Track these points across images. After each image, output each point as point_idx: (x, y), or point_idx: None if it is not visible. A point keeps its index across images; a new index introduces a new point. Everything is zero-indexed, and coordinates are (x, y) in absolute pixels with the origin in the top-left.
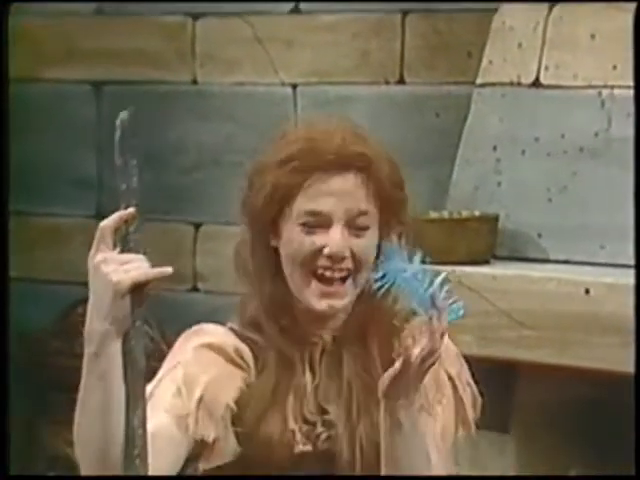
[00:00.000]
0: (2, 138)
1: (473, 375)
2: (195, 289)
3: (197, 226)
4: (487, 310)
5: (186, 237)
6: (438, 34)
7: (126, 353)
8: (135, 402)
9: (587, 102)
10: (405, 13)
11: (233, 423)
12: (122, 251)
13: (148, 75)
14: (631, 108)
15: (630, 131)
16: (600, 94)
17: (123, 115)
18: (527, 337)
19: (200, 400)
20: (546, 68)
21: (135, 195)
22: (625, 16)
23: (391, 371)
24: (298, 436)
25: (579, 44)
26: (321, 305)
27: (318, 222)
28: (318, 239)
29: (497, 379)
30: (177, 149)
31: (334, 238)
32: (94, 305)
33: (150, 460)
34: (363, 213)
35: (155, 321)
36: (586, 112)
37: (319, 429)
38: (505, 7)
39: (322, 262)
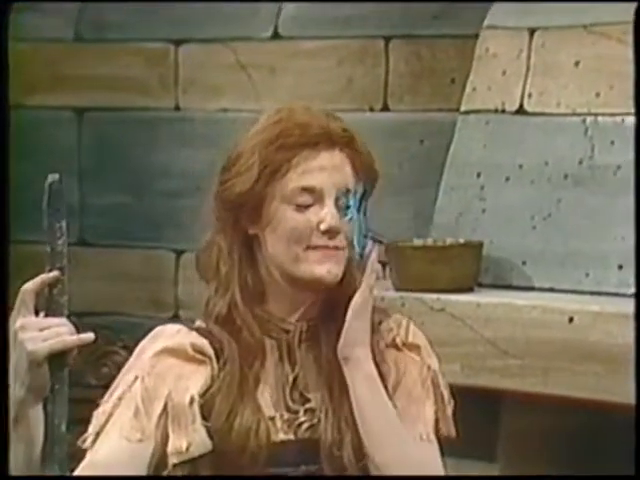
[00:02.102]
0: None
1: (455, 404)
2: (176, 316)
3: (179, 253)
4: (472, 338)
5: (168, 264)
6: (421, 60)
7: (47, 417)
8: (52, 464)
9: (571, 129)
10: (388, 39)
11: (203, 417)
12: (46, 315)
13: (130, 101)
14: (614, 135)
15: (614, 158)
16: (584, 121)
17: (51, 178)
18: (512, 366)
19: (162, 415)
20: (530, 95)
21: (61, 257)
22: (608, 43)
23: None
24: (279, 424)
25: (562, 71)
26: (321, 270)
27: (311, 199)
28: (312, 216)
29: (483, 408)
30: (160, 175)
31: (329, 213)
32: (13, 371)
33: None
34: (349, 191)
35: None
36: (570, 139)
37: (301, 418)
38: (488, 33)
39: (317, 238)
